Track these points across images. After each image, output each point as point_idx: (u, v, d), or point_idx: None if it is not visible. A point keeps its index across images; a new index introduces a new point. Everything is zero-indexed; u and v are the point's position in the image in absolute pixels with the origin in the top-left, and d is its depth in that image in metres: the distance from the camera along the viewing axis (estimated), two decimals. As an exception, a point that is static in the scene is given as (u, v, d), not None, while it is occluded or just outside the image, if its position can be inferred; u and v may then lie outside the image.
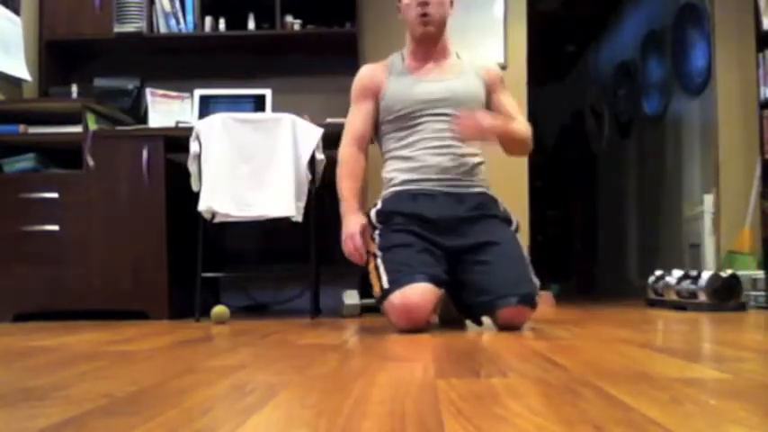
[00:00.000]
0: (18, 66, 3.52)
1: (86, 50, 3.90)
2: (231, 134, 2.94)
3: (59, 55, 3.84)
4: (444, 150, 2.35)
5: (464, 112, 2.29)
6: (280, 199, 2.92)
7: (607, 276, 6.40)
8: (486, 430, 0.80)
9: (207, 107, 3.40)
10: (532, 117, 3.37)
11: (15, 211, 3.11)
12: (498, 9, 4.00)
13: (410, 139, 2.39)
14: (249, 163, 2.95)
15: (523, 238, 3.07)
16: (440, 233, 2.29)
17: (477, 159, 2.41)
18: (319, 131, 3.03)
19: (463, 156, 2.37)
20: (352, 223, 2.34)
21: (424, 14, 2.35)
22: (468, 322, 2.40)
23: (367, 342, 1.94)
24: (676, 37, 4.64)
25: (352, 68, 2.57)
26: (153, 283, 3.10)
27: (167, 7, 3.68)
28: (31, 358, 1.62)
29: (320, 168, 3.05)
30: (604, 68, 6.35)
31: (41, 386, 1.17)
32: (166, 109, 3.42)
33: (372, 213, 2.40)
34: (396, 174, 2.41)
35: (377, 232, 2.36)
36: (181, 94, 3.49)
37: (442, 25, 2.41)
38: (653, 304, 3.55)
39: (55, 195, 3.13)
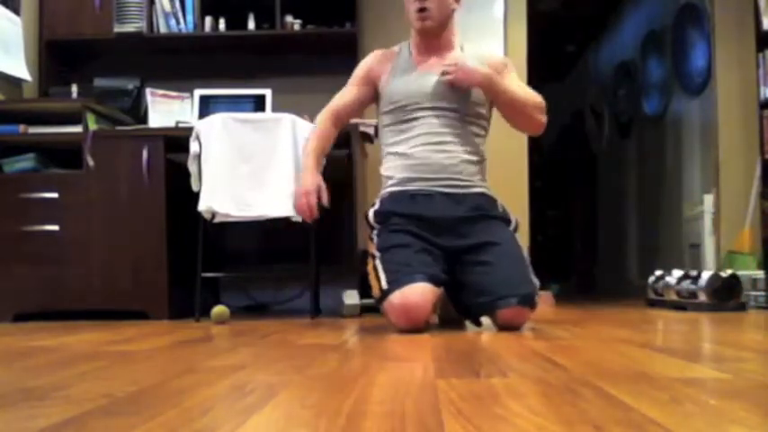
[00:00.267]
0: (18, 66, 3.52)
1: (86, 50, 3.90)
2: (231, 134, 2.94)
3: (59, 55, 3.84)
4: (442, 147, 2.33)
5: (457, 64, 2.30)
6: (280, 199, 2.92)
7: (607, 276, 6.40)
8: (486, 430, 0.80)
9: (207, 107, 3.40)
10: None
11: (15, 211, 3.11)
12: (498, 9, 4.00)
13: (408, 134, 2.37)
14: (249, 163, 2.95)
15: (523, 238, 3.07)
16: (438, 233, 2.29)
17: (476, 158, 2.39)
18: (319, 131, 3.02)
19: (462, 153, 2.35)
20: (309, 181, 2.39)
21: (422, 9, 2.34)
22: (467, 323, 2.40)
23: (367, 342, 1.94)
24: (676, 37, 4.64)
25: (352, 68, 2.57)
26: (153, 283, 3.10)
27: (167, 7, 3.68)
28: (31, 358, 1.62)
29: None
30: (604, 68, 6.35)
31: (41, 386, 1.17)
32: (166, 109, 3.42)
33: (370, 214, 2.40)
34: (393, 171, 2.40)
35: (375, 232, 2.36)
36: (181, 94, 3.49)
37: (441, 20, 2.38)
38: (653, 304, 3.55)
39: (55, 195, 3.13)
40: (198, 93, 3.48)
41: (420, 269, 2.18)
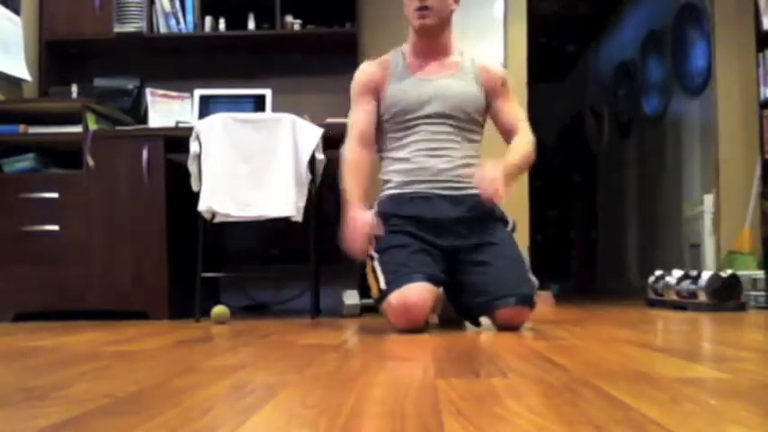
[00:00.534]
0: (18, 66, 3.52)
1: (86, 50, 3.90)
2: (231, 134, 2.94)
3: (59, 55, 3.84)
4: (440, 153, 2.35)
5: (479, 176, 2.19)
6: (280, 199, 2.92)
7: (607, 276, 6.40)
8: (486, 430, 0.80)
9: (207, 107, 3.41)
10: (532, 117, 3.35)
11: (15, 211, 3.11)
12: (498, 9, 3.99)
13: (406, 140, 2.38)
14: (249, 163, 2.95)
15: (523, 238, 3.08)
16: (436, 234, 2.29)
17: (473, 161, 2.39)
18: (319, 131, 3.03)
19: (459, 158, 2.36)
20: (359, 222, 2.23)
21: (422, 8, 2.33)
22: (466, 323, 2.40)
23: (367, 342, 1.94)
24: (676, 37, 4.64)
25: (352, 68, 2.57)
26: (153, 283, 3.10)
27: (167, 7, 3.68)
28: (32, 358, 1.62)
29: (320, 168, 3.05)
30: (604, 68, 6.35)
31: (41, 386, 1.17)
32: (166, 109, 3.43)
33: (369, 215, 2.40)
34: (392, 176, 2.41)
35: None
36: (181, 94, 3.49)
37: (442, 19, 2.37)
38: (653, 304, 3.55)
39: (55, 195, 3.13)
40: (198, 93, 3.48)
41: (418, 269, 2.18)
